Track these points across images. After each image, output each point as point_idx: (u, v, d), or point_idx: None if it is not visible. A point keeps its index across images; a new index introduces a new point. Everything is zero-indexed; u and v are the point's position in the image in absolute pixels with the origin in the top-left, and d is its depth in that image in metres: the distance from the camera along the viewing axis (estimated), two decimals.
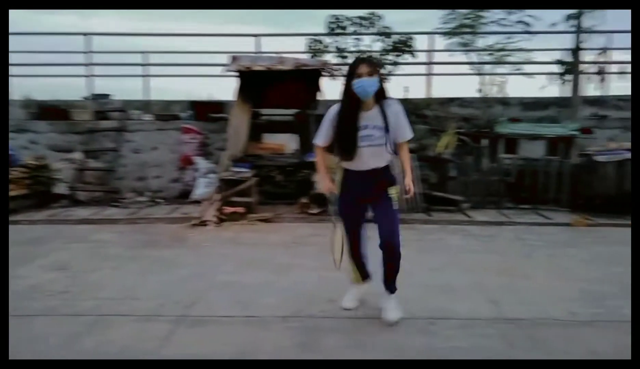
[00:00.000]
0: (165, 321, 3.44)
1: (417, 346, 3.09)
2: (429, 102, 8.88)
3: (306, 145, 8.12)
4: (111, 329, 3.31)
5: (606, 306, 3.77)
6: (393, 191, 3.32)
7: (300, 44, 8.81)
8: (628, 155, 7.20)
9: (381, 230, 3.27)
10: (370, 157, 3.20)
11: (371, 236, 3.54)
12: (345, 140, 3.17)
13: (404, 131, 3.30)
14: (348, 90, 3.13)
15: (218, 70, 8.60)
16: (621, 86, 9.17)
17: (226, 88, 15.44)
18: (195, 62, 10.02)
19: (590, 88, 8.68)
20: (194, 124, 8.57)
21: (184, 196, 8.15)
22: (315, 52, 8.37)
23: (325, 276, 4.39)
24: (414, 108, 8.63)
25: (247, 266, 4.75)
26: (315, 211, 7.04)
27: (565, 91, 8.58)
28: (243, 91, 7.86)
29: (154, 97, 9.74)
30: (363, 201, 3.36)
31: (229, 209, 6.70)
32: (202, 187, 7.82)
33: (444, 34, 8.48)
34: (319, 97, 8.15)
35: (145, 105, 9.34)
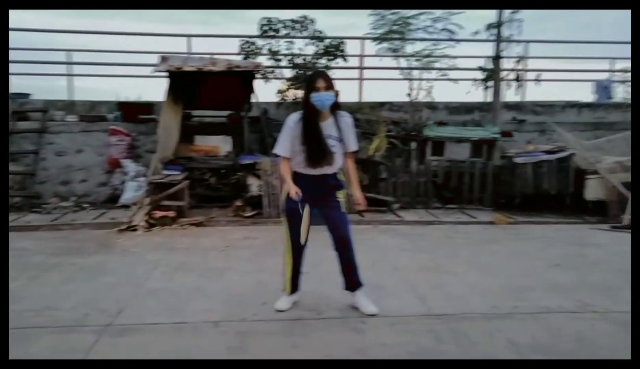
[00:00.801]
0: (89, 331, 3.30)
1: (348, 344, 3.16)
2: (360, 106, 9.05)
3: (240, 147, 8.06)
4: (28, 342, 3.13)
5: (525, 298, 4.01)
6: (341, 196, 3.59)
7: (233, 45, 8.71)
8: (544, 156, 7.71)
9: (334, 229, 3.56)
10: (326, 162, 3.46)
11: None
12: (317, 148, 3.40)
13: (352, 142, 3.58)
14: (307, 102, 3.40)
15: (147, 70, 8.37)
16: (537, 92, 9.80)
17: (156, 89, 15.04)
18: (123, 62, 9.67)
19: (510, 94, 9.21)
20: (121, 126, 8.26)
21: (112, 200, 7.83)
22: (248, 53, 8.31)
23: (259, 279, 4.39)
24: (347, 112, 8.78)
25: (178, 271, 4.65)
26: (249, 214, 6.99)
27: (488, 96, 9.03)
28: (173, 92, 7.68)
29: (78, 97, 9.30)
30: (312, 203, 3.51)
31: (159, 213, 6.51)
32: (131, 191, 7.55)
33: (374, 39, 8.67)
34: (253, 98, 8.11)
35: (69, 106, 8.90)
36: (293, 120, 3.48)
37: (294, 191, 3.44)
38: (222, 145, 8.13)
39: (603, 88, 10.76)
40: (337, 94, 3.44)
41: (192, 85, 7.81)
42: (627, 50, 11.39)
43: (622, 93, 10.68)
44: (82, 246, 5.53)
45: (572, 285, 4.36)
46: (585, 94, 10.87)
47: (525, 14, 8.32)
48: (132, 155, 8.20)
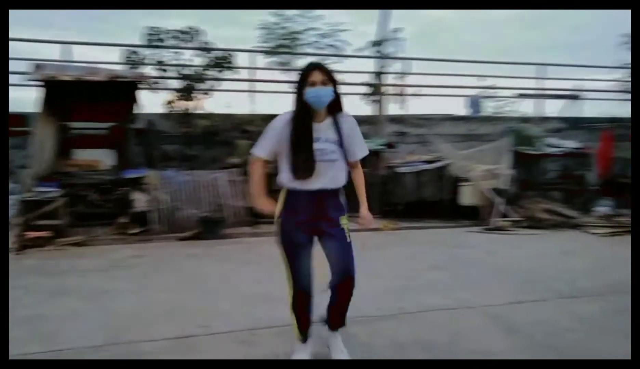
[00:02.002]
0: None
1: (239, 356, 3.14)
2: (252, 118, 9.08)
3: (124, 161, 7.68)
4: None
5: (408, 299, 4.26)
6: (344, 221, 2.89)
7: (116, 55, 8.32)
8: (424, 166, 8.28)
9: (336, 263, 2.87)
10: (322, 173, 2.74)
11: None
12: (302, 154, 2.71)
13: (360, 147, 2.93)
14: (299, 99, 2.74)
15: (19, 78, 7.71)
16: (417, 106, 10.51)
17: (28, 100, 13.87)
18: None
19: (393, 108, 9.77)
20: None
21: None
22: (132, 63, 7.98)
23: (146, 299, 4.22)
24: (237, 123, 8.76)
25: (54, 296, 4.31)
26: (135, 231, 6.68)
27: (373, 110, 9.50)
28: (49, 103, 7.14)
29: None
30: (311, 229, 2.84)
31: (32, 234, 5.99)
32: None
33: (264, 52, 8.77)
34: (137, 110, 7.79)
35: None
36: (282, 120, 2.78)
37: (267, 205, 2.85)
38: (104, 158, 7.70)
39: (475, 102, 11.79)
40: (337, 90, 2.78)
41: (70, 96, 7.32)
42: (493, 69, 12.67)
43: (490, 107, 11.78)
44: None
45: (450, 283, 4.72)
46: (460, 108, 11.85)
47: (409, 31, 8.91)
48: None
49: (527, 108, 11.84)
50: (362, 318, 3.80)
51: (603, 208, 8.56)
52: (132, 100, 7.65)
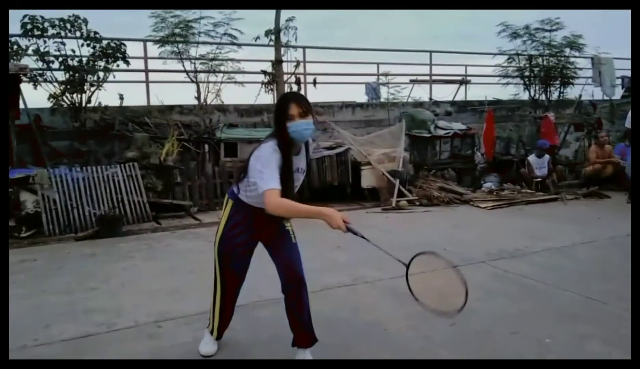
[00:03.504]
0: None
1: (144, 350, 3.13)
2: (148, 110, 8.80)
3: (8, 160, 7.13)
4: None
5: (310, 279, 4.35)
6: (288, 224, 2.98)
7: None
8: (325, 153, 8.51)
9: (286, 266, 2.92)
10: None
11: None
12: (288, 186, 2.67)
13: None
14: (282, 132, 2.66)
15: None
16: (317, 94, 10.74)
17: None
18: None
19: None
20: None
21: None
22: (10, 55, 7.38)
23: (39, 303, 4.03)
24: (132, 116, 8.45)
25: None
26: (25, 234, 6.26)
27: (274, 98, 9.58)
28: None
29: None
30: (257, 237, 2.93)
31: None
32: None
33: (157, 42, 8.50)
34: (20, 105, 7.25)
35: None
36: (270, 150, 2.65)
37: (340, 220, 2.78)
38: None
39: (372, 89, 12.28)
40: (315, 120, 2.75)
41: None
42: (389, 57, 13.24)
43: (386, 94, 12.35)
44: None
45: (350, 262, 4.97)
46: (359, 95, 12.29)
47: (307, 21, 9.04)
48: None
49: (420, 93, 12.57)
50: (266, 301, 3.92)
51: (489, 184, 9.34)
52: (14, 94, 7.10)
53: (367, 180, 8.50)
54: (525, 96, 12.43)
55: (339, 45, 14.70)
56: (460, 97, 12.85)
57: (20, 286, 4.50)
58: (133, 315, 3.67)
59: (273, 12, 8.77)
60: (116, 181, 6.98)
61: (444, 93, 12.75)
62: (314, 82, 10.03)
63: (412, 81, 12.66)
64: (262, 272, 4.58)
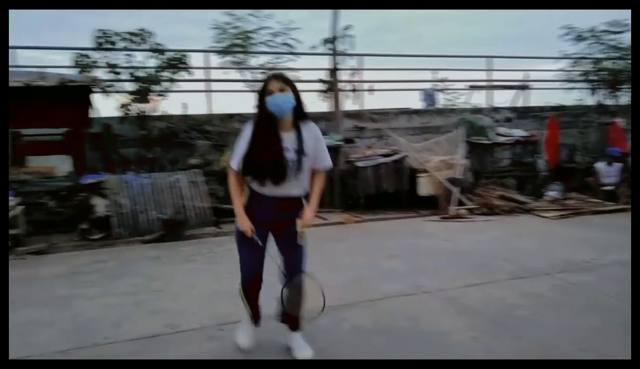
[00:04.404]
0: None
1: (208, 352, 3.23)
2: (210, 118, 9.07)
3: (81, 166, 7.57)
4: None
5: (368, 288, 4.43)
6: (299, 225, 2.97)
7: (66, 58, 8.15)
8: (382, 160, 8.48)
9: (289, 265, 3.02)
10: (287, 182, 2.86)
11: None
12: (275, 164, 2.79)
13: (324, 158, 2.99)
14: (263, 110, 2.81)
15: None
16: (373, 101, 10.72)
17: None
18: None
19: (349, 104, 9.95)
20: None
21: None
22: (83, 67, 7.84)
23: (110, 303, 4.24)
24: (195, 124, 8.75)
25: (16, 305, 4.25)
26: (97, 236, 6.61)
27: (330, 106, 9.64)
28: None
29: None
30: (268, 228, 2.99)
31: None
32: None
33: (218, 52, 8.78)
34: (92, 114, 7.67)
35: None
36: (249, 127, 2.90)
37: (246, 226, 2.87)
38: (60, 164, 7.56)
39: (428, 95, 12.11)
40: (299, 98, 2.85)
41: (19, 102, 7.15)
42: (446, 62, 13.02)
43: (443, 100, 12.14)
44: None
45: (408, 271, 4.93)
46: (414, 101, 12.15)
47: (362, 27, 9.06)
48: None
49: (478, 99, 12.28)
50: (325, 308, 3.93)
51: (552, 192, 8.99)
52: (86, 104, 7.53)
53: (425, 187, 8.39)
54: (590, 101, 11.89)
55: (392, 51, 14.58)
56: (520, 102, 12.45)
57: (92, 285, 4.77)
58: (196, 317, 3.80)
59: (329, 20, 8.85)
60: (180, 187, 7.25)
61: (504, 99, 12.41)
62: (370, 90, 10.02)
63: (470, 87, 12.39)
64: (320, 278, 4.64)
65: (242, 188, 2.96)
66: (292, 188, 2.89)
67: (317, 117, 9.93)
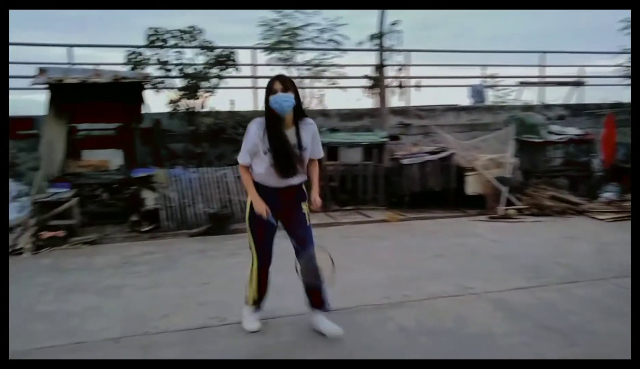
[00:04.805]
0: None
1: (250, 345, 3.27)
2: (256, 114, 9.13)
3: (132, 160, 7.82)
4: None
5: (413, 287, 4.37)
6: (305, 208, 3.39)
7: (119, 56, 8.44)
8: (428, 157, 8.34)
9: (301, 239, 3.34)
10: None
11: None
12: (284, 158, 3.18)
13: (318, 150, 3.41)
14: (267, 108, 3.18)
15: (25, 82, 7.85)
16: (420, 97, 10.57)
17: (36, 102, 14.03)
18: None
19: (395, 100, 9.85)
20: None
21: None
22: (135, 64, 8.08)
23: (159, 294, 4.35)
24: (241, 120, 8.86)
25: (72, 292, 4.45)
26: (146, 228, 6.81)
27: (375, 103, 9.57)
28: (56, 105, 7.28)
29: None
30: (276, 216, 3.30)
31: (47, 234, 6.14)
32: (13, 212, 7.00)
33: (265, 49, 8.85)
34: (143, 110, 7.91)
35: None
36: (255, 126, 3.23)
37: (262, 209, 3.22)
38: (112, 158, 7.83)
39: (477, 92, 11.83)
40: (298, 98, 3.23)
41: (76, 98, 7.45)
42: (496, 58, 12.67)
43: (492, 96, 11.83)
44: None
45: (454, 271, 4.82)
46: (462, 98, 11.90)
47: (407, 23, 8.98)
48: (12, 174, 7.63)
49: (529, 96, 11.90)
50: (369, 306, 3.92)
51: (608, 193, 8.61)
52: (138, 100, 7.77)
53: (472, 186, 8.20)
54: None
55: (439, 47, 14.34)
56: (574, 99, 11.98)
57: (142, 276, 4.92)
58: (238, 312, 3.84)
59: (377, 16, 8.78)
60: (227, 182, 7.37)
61: (556, 95, 11.96)
62: (417, 86, 9.87)
63: (521, 83, 12.02)
64: (364, 277, 4.62)
65: (252, 179, 3.32)
66: (294, 178, 3.28)
67: (362, 114, 9.91)
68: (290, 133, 3.22)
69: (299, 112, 3.26)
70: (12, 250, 5.84)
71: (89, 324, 3.67)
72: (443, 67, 11.52)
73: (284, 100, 3.12)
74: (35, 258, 5.72)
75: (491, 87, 12.00)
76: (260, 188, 3.29)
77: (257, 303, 3.54)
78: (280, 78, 3.21)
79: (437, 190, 8.28)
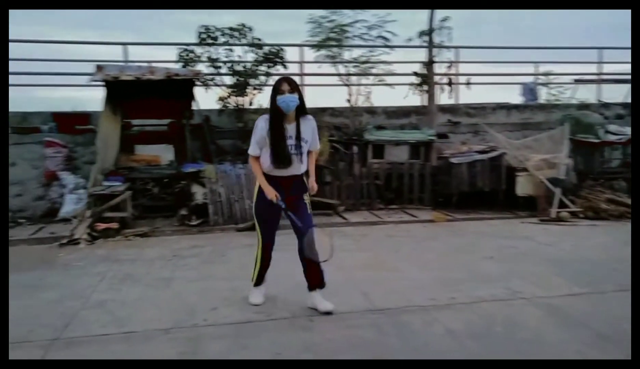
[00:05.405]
0: (35, 346, 3.25)
1: (298, 342, 3.28)
2: None
3: (182, 156, 8.02)
4: None
5: (461, 290, 4.27)
6: (306, 197, 3.85)
7: (171, 53, 8.65)
8: (477, 156, 8.15)
9: (303, 224, 3.70)
10: (291, 164, 3.68)
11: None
12: (279, 150, 3.61)
13: (315, 143, 3.85)
14: (273, 105, 3.58)
15: (83, 79, 8.18)
16: (469, 95, 10.33)
17: (93, 99, 14.62)
18: (56, 71, 9.37)
19: (444, 97, 9.66)
20: (57, 137, 8.02)
21: (50, 215, 7.58)
22: (186, 61, 8.26)
23: (207, 287, 4.44)
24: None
25: (124, 282, 4.61)
26: (195, 222, 6.97)
27: (423, 100, 9.42)
28: (111, 101, 7.55)
29: (9, 108, 8.92)
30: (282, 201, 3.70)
31: (101, 225, 6.39)
32: (71, 204, 7.35)
33: (313, 46, 8.86)
34: (193, 106, 8.09)
35: None
36: (262, 122, 3.66)
37: (272, 194, 3.64)
38: (164, 154, 8.06)
39: (529, 90, 11.46)
40: (301, 98, 3.63)
41: (130, 94, 7.70)
42: (549, 54, 12.21)
43: (546, 95, 11.43)
44: (20, 263, 5.34)
45: (504, 275, 4.69)
46: (514, 96, 11.55)
47: (456, 18, 8.78)
48: (69, 167, 7.97)
49: (586, 94, 11.41)
50: (415, 307, 3.86)
51: None
52: (189, 97, 7.96)
53: (523, 187, 7.95)
54: None
55: (489, 43, 13.96)
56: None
57: (191, 269, 5.04)
58: (288, 306, 3.88)
59: (426, 12, 8.63)
60: None
61: (615, 94, 11.42)
62: (468, 83, 9.65)
63: (576, 81, 11.55)
64: (410, 277, 4.56)
65: (261, 169, 3.73)
66: (295, 168, 3.71)
67: (409, 111, 9.78)
68: (291, 127, 3.64)
69: (301, 110, 3.66)
70: (69, 240, 6.10)
71: (140, 315, 3.79)
72: (494, 64, 11.20)
73: (290, 100, 3.53)
74: (91, 248, 5.96)
75: (544, 84, 11.59)
76: (267, 177, 3.70)
77: (261, 279, 4.00)
78: (287, 80, 3.64)
79: (486, 191, 8.08)
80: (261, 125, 3.65)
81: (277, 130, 3.60)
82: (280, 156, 3.62)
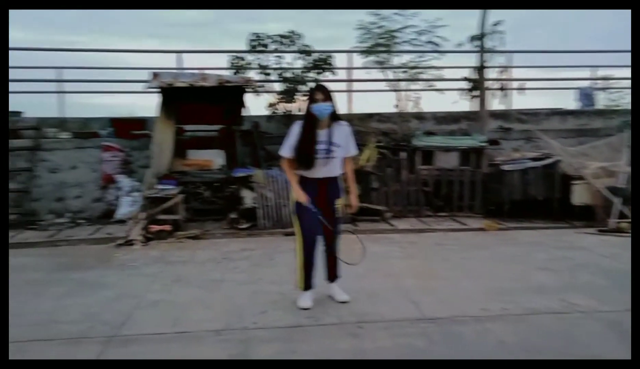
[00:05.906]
0: (94, 342, 3.39)
1: (347, 348, 3.28)
2: (349, 118, 9.18)
3: (233, 161, 8.18)
4: (35, 355, 3.22)
5: (514, 301, 4.15)
6: (338, 203, 4.01)
7: (222, 60, 8.85)
8: (530, 163, 7.91)
9: (329, 229, 3.94)
10: (324, 167, 3.86)
11: None
12: (305, 153, 3.80)
13: (351, 148, 4.02)
14: (308, 112, 3.82)
15: (139, 86, 8.50)
16: (522, 100, 10.05)
17: (148, 105, 15.15)
18: (114, 79, 9.78)
19: (496, 103, 9.44)
20: (114, 142, 8.36)
21: (107, 216, 7.90)
22: (237, 68, 8.45)
23: (257, 290, 4.51)
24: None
25: (177, 283, 4.75)
26: (244, 226, 7.09)
27: (474, 105, 9.24)
28: (166, 107, 7.80)
29: (70, 114, 9.39)
30: (315, 205, 3.86)
31: (155, 227, 6.60)
32: (126, 206, 7.64)
33: (361, 52, 8.87)
34: (244, 112, 8.25)
35: (61, 123, 8.96)
36: (297, 126, 3.89)
37: (303, 198, 3.83)
38: (215, 158, 8.25)
39: (586, 95, 11.03)
40: (334, 105, 3.85)
41: (183, 101, 7.94)
42: (607, 58, 11.73)
43: (604, 100, 10.98)
44: (80, 262, 5.60)
45: (559, 286, 4.52)
46: (569, 102, 11.15)
47: (508, 22, 8.58)
48: (125, 171, 8.29)
49: None
50: (466, 317, 3.78)
51: None
52: (239, 103, 8.13)
53: (579, 196, 7.64)
54: None
55: (542, 47, 13.54)
56: None
57: (241, 271, 5.13)
58: (337, 312, 3.88)
59: (477, 17, 8.48)
60: None
61: None
62: (521, 88, 9.39)
63: None
64: (461, 286, 4.47)
65: (295, 172, 3.93)
66: (328, 171, 3.88)
67: (459, 117, 9.61)
68: (323, 132, 3.83)
69: (334, 116, 3.87)
70: (125, 241, 6.34)
71: (192, 315, 3.88)
72: (548, 69, 10.86)
73: (324, 108, 3.77)
74: (145, 250, 6.16)
75: (602, 89, 11.14)
76: (301, 179, 3.90)
77: (307, 283, 4.04)
78: (321, 88, 3.86)
79: (540, 199, 7.83)
80: (295, 130, 3.88)
81: (308, 134, 3.80)
82: (302, 155, 3.80)
